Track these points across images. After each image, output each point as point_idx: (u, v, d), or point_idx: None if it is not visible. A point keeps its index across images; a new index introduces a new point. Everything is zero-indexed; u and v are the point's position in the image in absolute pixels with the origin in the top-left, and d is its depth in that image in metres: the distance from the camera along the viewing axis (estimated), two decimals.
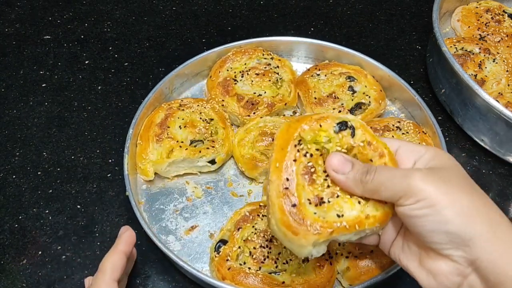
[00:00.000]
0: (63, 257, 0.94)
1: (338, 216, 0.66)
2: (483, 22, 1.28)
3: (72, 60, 1.30)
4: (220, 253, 0.87)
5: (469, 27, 1.28)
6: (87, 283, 0.82)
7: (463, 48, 1.20)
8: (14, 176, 1.06)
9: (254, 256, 0.85)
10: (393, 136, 1.01)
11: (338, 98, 1.10)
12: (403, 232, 0.69)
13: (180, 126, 1.03)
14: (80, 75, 1.26)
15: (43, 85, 1.24)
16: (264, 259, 0.85)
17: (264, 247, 0.86)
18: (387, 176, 0.64)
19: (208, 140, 1.03)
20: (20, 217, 1.00)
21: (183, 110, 1.06)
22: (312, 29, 1.39)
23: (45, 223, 0.99)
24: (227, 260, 0.86)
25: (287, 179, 0.65)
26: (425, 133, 1.03)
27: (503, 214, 0.62)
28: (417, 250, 0.66)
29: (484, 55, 1.18)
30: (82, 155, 1.10)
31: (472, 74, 1.15)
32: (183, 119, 1.05)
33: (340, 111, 1.08)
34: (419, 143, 1.00)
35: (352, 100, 1.10)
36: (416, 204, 0.61)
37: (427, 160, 0.67)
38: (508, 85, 1.14)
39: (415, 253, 0.66)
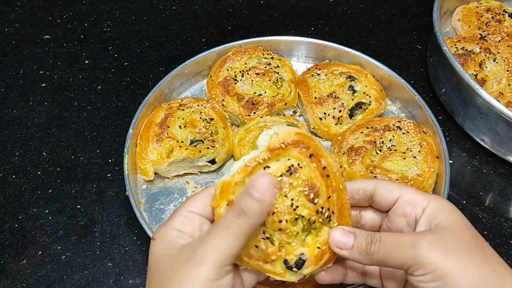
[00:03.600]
0: (63, 257, 0.94)
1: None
2: (483, 22, 1.28)
3: (72, 60, 1.30)
4: None
5: (469, 26, 1.28)
6: None
7: (463, 47, 1.20)
8: (14, 176, 1.06)
9: None
10: (394, 136, 1.01)
11: (338, 97, 1.09)
12: None
13: (180, 126, 1.03)
14: (80, 75, 1.26)
15: (43, 85, 1.24)
16: None
17: None
18: (393, 246, 0.62)
19: (208, 140, 1.03)
20: (20, 217, 0.99)
21: (183, 110, 1.06)
22: (312, 28, 1.39)
23: (45, 223, 0.99)
24: None
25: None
26: (426, 133, 1.03)
27: None
28: None
29: (485, 55, 1.18)
30: (82, 155, 1.10)
31: (472, 74, 1.14)
32: (183, 119, 1.04)
33: (340, 111, 1.08)
34: (420, 143, 1.00)
35: (353, 99, 1.09)
36: (425, 276, 0.59)
37: (432, 216, 0.64)
38: (509, 84, 1.14)
39: None
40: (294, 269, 0.67)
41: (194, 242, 0.61)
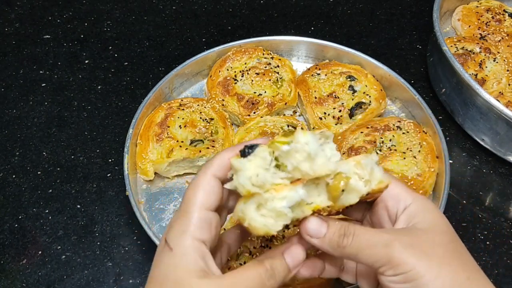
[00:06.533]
0: (63, 257, 0.94)
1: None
2: (483, 22, 1.28)
3: (72, 59, 1.30)
4: None
5: (469, 26, 1.28)
6: None
7: (463, 47, 1.20)
8: (14, 176, 1.06)
9: (254, 256, 0.85)
10: (394, 136, 1.01)
11: (338, 97, 1.10)
12: None
13: (180, 126, 1.03)
14: (80, 75, 1.26)
15: (42, 85, 1.24)
16: None
17: (264, 247, 0.86)
18: (367, 243, 0.60)
19: (208, 140, 1.03)
20: (20, 217, 0.99)
21: (183, 109, 1.06)
22: (312, 28, 1.39)
23: (45, 223, 0.99)
24: (228, 260, 0.85)
25: None
26: (426, 133, 1.03)
27: (488, 285, 0.60)
28: None
29: (485, 55, 1.18)
30: (82, 155, 1.10)
31: (472, 74, 1.14)
32: (183, 118, 1.04)
33: (340, 111, 1.08)
34: (420, 142, 1.00)
35: (353, 99, 1.09)
36: (396, 277, 0.58)
37: (412, 215, 0.63)
38: (509, 84, 1.14)
39: None
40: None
41: (221, 281, 0.57)
